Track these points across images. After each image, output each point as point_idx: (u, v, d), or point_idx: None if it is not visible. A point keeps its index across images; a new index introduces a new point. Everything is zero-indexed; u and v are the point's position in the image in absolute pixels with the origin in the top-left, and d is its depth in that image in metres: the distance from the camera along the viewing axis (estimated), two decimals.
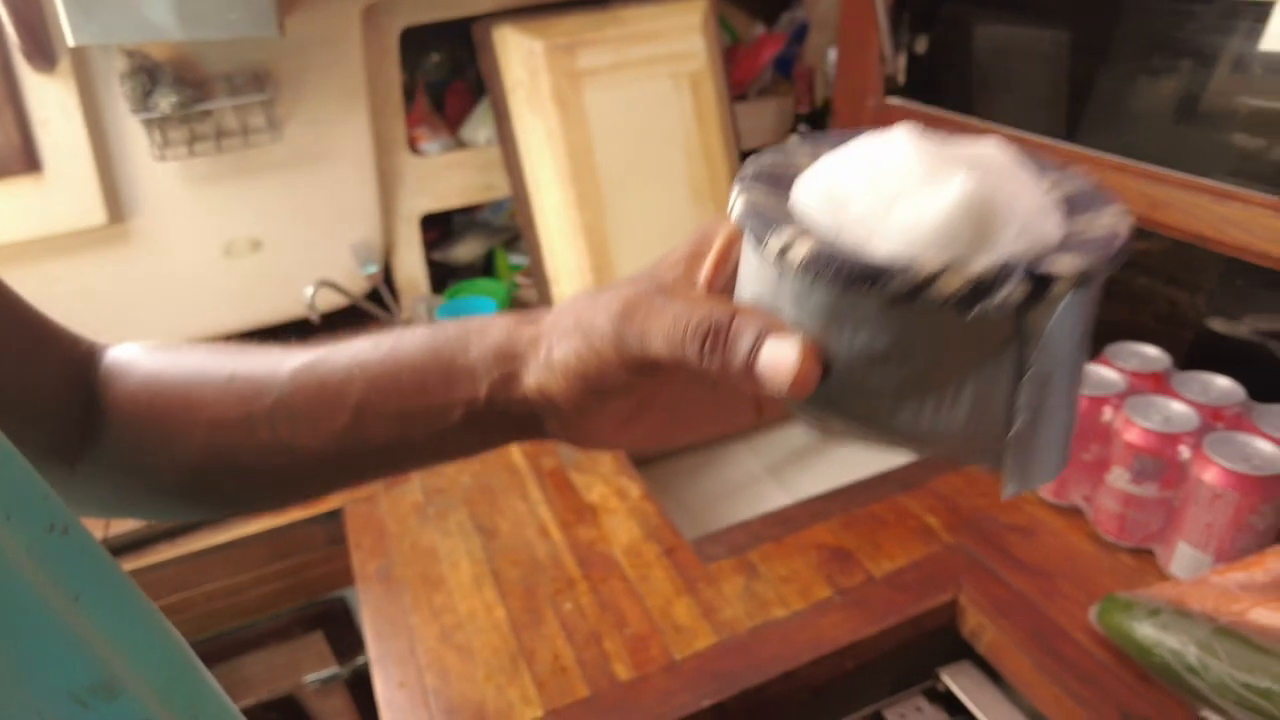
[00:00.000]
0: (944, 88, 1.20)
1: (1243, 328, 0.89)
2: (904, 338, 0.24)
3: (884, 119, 1.26)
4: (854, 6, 1.24)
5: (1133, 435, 0.79)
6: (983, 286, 0.22)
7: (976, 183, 0.24)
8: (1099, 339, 0.91)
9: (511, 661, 0.76)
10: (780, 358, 0.25)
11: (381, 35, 1.17)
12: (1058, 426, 0.26)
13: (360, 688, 1.05)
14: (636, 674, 0.74)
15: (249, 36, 0.96)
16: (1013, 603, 0.77)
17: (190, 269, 1.15)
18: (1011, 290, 0.22)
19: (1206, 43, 0.87)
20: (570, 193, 1.15)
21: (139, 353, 0.41)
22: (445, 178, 1.28)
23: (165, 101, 1.04)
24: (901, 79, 1.23)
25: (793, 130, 1.37)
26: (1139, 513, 0.81)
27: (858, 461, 1.12)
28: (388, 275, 1.29)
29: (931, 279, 0.22)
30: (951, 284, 0.22)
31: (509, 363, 0.35)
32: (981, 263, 0.23)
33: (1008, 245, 0.24)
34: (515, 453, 1.03)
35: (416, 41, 1.25)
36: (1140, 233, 0.88)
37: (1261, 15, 0.81)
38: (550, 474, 0.99)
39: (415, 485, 0.99)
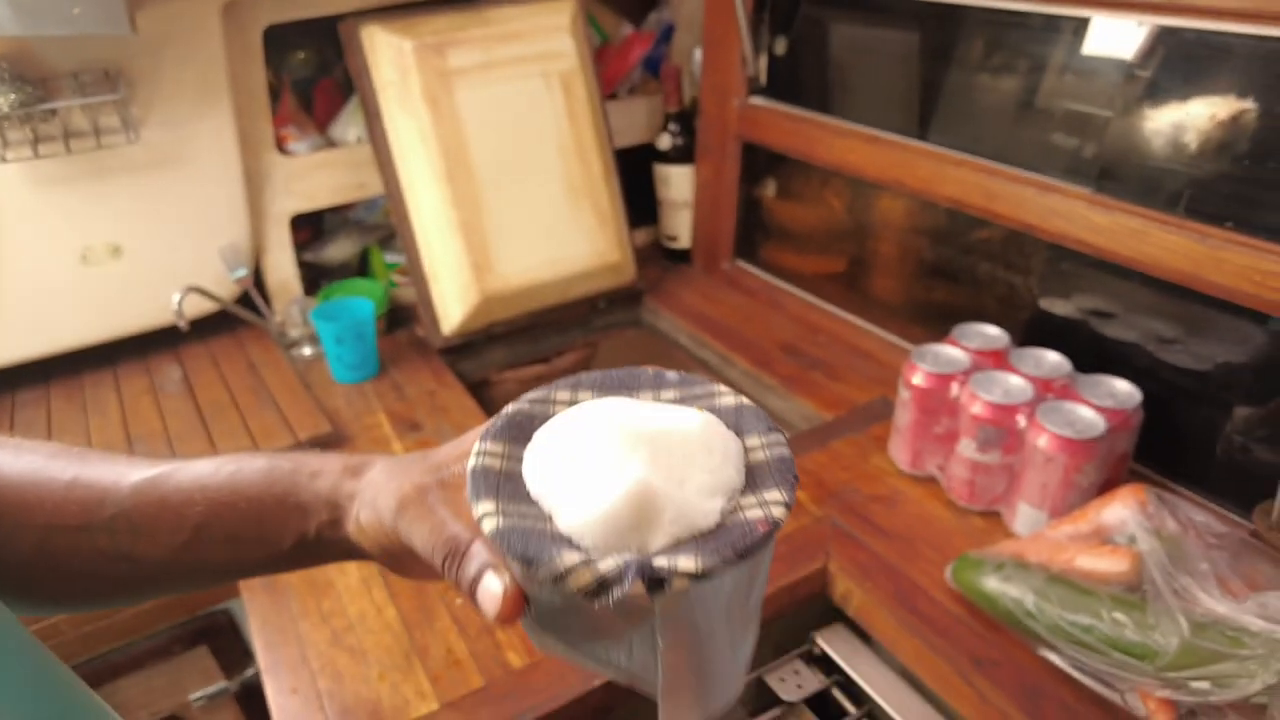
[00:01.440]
0: (803, 88, 1.27)
1: (1069, 307, 0.99)
2: (570, 604, 0.29)
3: (748, 117, 1.32)
4: (717, 8, 1.30)
5: (977, 408, 0.86)
6: (606, 582, 0.27)
7: (643, 476, 0.29)
8: (948, 320, 1.00)
9: (405, 659, 0.77)
10: (491, 592, 0.32)
11: (243, 33, 1.14)
12: (712, 676, 0.31)
13: (251, 700, 1.03)
14: (529, 660, 0.76)
15: (96, 34, 0.92)
16: (877, 567, 0.84)
17: (43, 278, 1.09)
18: (626, 587, 0.27)
19: (1035, 50, 0.96)
20: (445, 191, 1.15)
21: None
22: (315, 177, 1.26)
23: (3, 99, 0.98)
24: (763, 80, 1.29)
25: (663, 128, 1.41)
26: (985, 478, 0.89)
27: None
28: (258, 278, 1.26)
29: (567, 573, 0.27)
30: (581, 579, 0.27)
31: (334, 510, 0.40)
32: (608, 563, 0.27)
33: (661, 530, 0.29)
34: (398, 449, 1.03)
35: (281, 39, 1.22)
36: (978, 222, 0.96)
37: (1080, 28, 0.90)
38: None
39: None
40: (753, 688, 0.83)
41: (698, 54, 1.37)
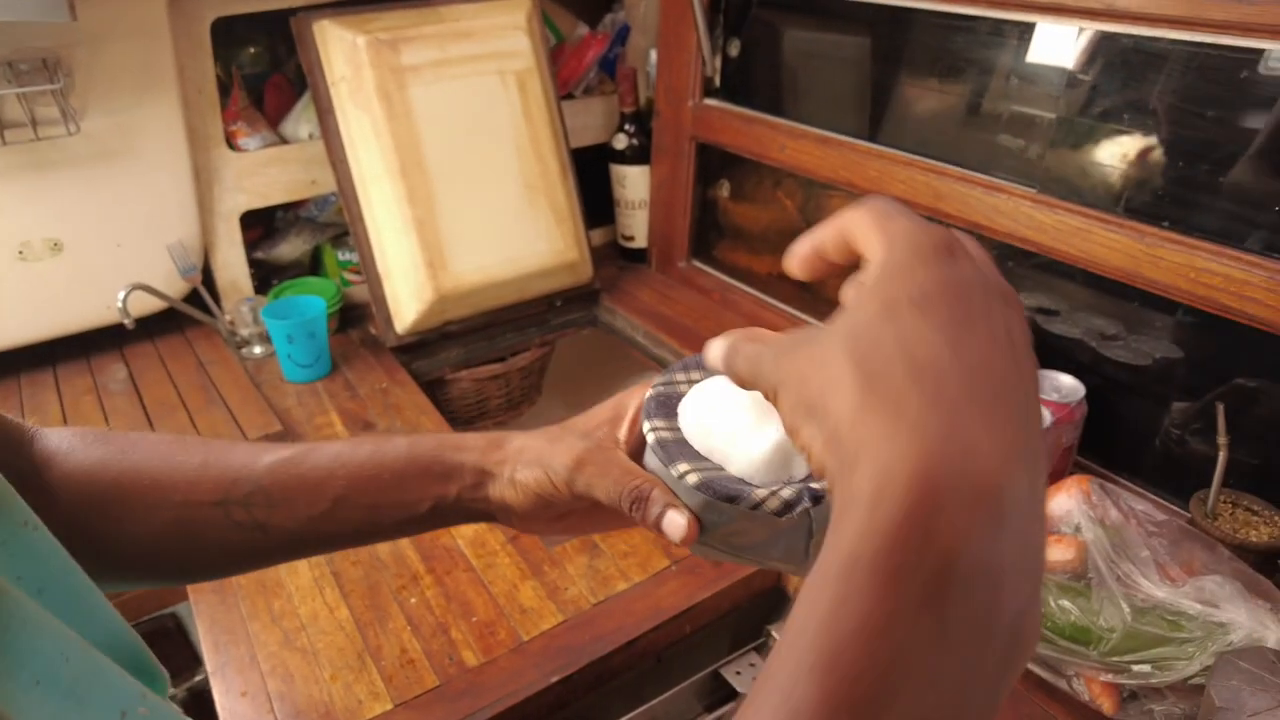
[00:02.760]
0: (756, 90, 1.28)
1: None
2: (749, 526, 0.39)
3: (702, 118, 1.33)
4: (673, 10, 1.31)
5: None
6: (790, 504, 0.38)
7: (779, 431, 0.40)
8: None
9: (358, 659, 0.76)
10: (676, 524, 0.39)
11: (190, 25, 1.11)
12: (810, 548, 0.41)
13: (199, 705, 1.00)
14: (485, 658, 0.76)
15: (32, 20, 0.89)
16: None
17: None
18: (805, 503, 0.38)
19: (981, 55, 0.98)
20: (399, 188, 1.14)
21: (82, 435, 0.46)
22: (266, 174, 1.23)
23: None
24: (718, 81, 1.31)
25: (619, 129, 1.42)
26: None
27: None
28: (208, 277, 1.23)
29: (761, 502, 0.38)
30: (772, 504, 0.38)
31: (480, 475, 0.45)
32: (787, 490, 0.39)
33: (799, 468, 0.40)
34: None
35: (231, 33, 1.20)
36: (926, 220, 0.97)
37: (1025, 33, 0.92)
38: None
39: None
40: (709, 681, 0.84)
41: (653, 55, 1.38)
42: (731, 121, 1.28)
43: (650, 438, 0.42)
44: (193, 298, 1.19)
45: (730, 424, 0.41)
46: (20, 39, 1.00)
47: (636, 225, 1.49)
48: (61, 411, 1.07)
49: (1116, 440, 0.94)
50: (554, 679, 0.74)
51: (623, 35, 1.43)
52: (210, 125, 1.17)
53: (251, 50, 1.27)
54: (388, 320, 1.20)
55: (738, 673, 0.83)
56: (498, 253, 1.23)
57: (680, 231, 1.45)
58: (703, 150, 1.37)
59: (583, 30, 1.44)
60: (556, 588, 0.83)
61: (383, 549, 0.88)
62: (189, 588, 0.84)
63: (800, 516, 0.38)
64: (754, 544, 0.41)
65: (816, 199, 1.24)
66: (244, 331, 1.21)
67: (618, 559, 0.86)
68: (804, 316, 1.29)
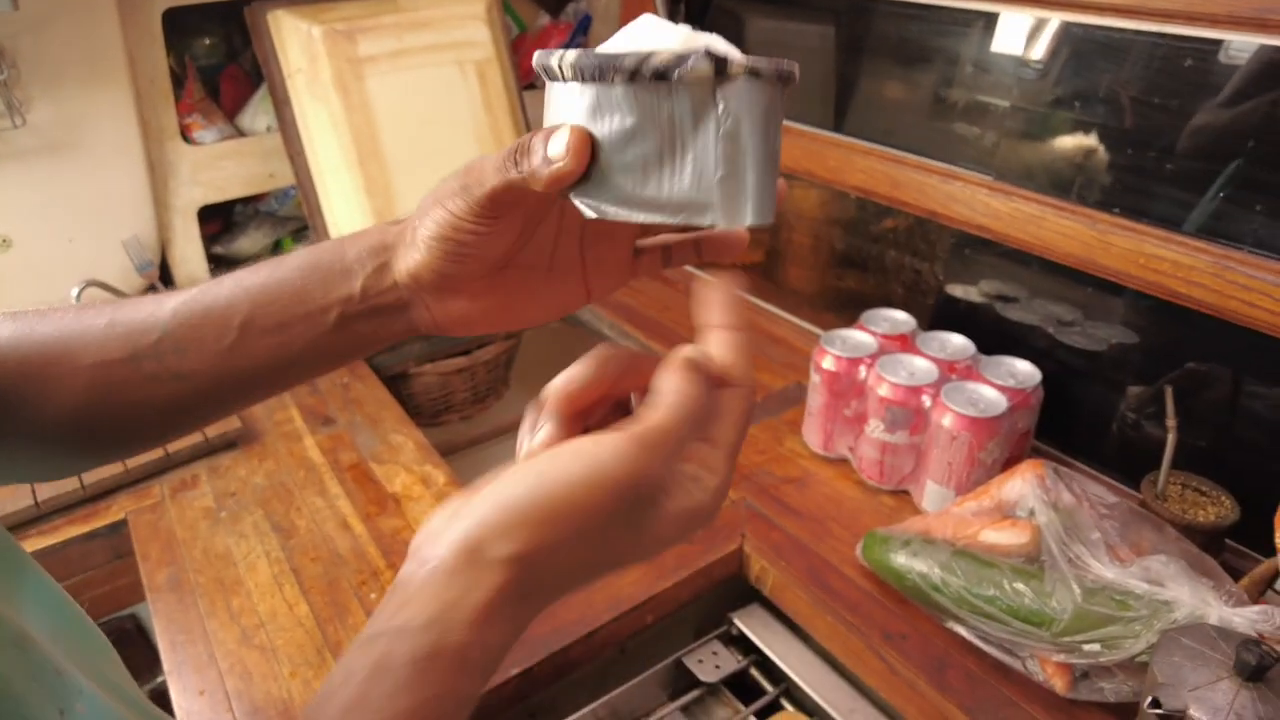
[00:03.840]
0: None
1: (973, 291, 1.02)
2: (641, 115, 0.34)
3: None
4: (633, 0, 1.30)
5: (884, 390, 0.89)
6: (681, 57, 0.32)
7: (685, 33, 0.34)
8: (857, 307, 1.02)
9: (317, 654, 0.76)
10: (559, 141, 0.34)
11: (140, 14, 1.09)
12: (756, 178, 0.35)
13: (161, 708, 0.99)
14: None
15: None
16: (790, 547, 0.86)
17: None
18: (698, 61, 0.32)
19: (940, 45, 0.99)
20: (358, 178, 1.13)
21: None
22: (223, 167, 1.22)
23: None
24: None
25: None
26: (894, 458, 0.91)
27: None
28: (165, 272, 1.21)
29: (649, 56, 0.32)
30: (661, 57, 0.32)
31: (382, 254, 0.41)
32: (679, 47, 0.33)
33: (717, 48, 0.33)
34: (312, 450, 1.01)
35: (184, 24, 1.18)
36: (886, 211, 0.99)
37: (983, 23, 0.93)
38: (350, 468, 0.98)
39: (205, 489, 0.95)
40: (671, 670, 0.84)
41: None
42: None
43: (552, 62, 0.35)
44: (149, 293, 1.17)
45: (635, 40, 0.35)
46: None
47: None
48: None
49: (1073, 424, 0.95)
50: (513, 671, 0.74)
51: (585, 25, 1.42)
52: (164, 117, 1.15)
53: (206, 41, 1.25)
54: None
55: (700, 661, 0.84)
56: None
57: None
58: None
59: (545, 20, 1.43)
60: None
61: (342, 545, 0.87)
62: (146, 587, 0.83)
63: (699, 85, 0.32)
64: (647, 167, 0.35)
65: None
66: None
67: None
68: (766, 306, 1.29)
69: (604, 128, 0.35)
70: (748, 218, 0.35)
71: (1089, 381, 0.93)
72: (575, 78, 0.34)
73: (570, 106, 0.35)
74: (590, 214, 0.36)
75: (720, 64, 0.32)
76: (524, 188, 0.36)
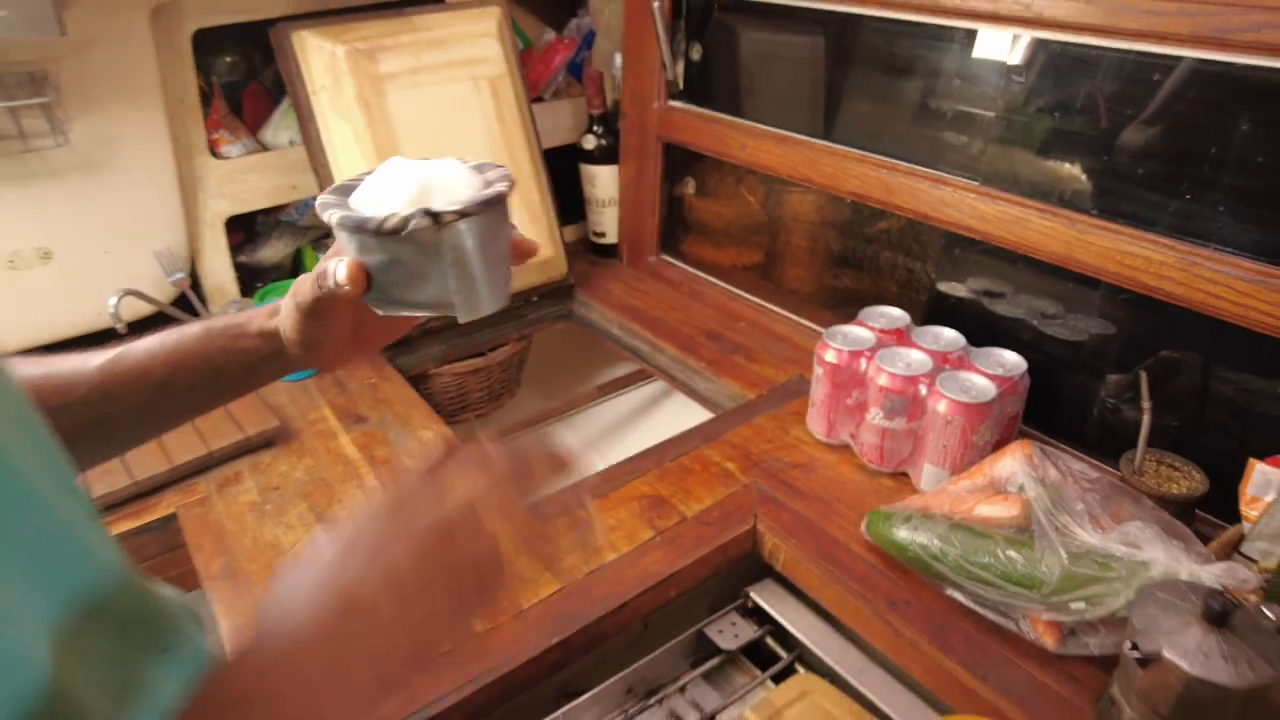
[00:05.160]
0: (717, 92, 1.35)
1: (963, 289, 1.10)
2: (389, 254, 0.49)
3: (667, 120, 1.39)
4: (635, 16, 1.37)
5: (883, 380, 0.96)
6: (406, 219, 0.47)
7: (425, 173, 0.50)
8: (855, 305, 1.09)
9: None
10: (341, 271, 0.50)
11: (172, 37, 1.15)
12: (484, 283, 0.51)
13: None
14: (489, 625, 0.82)
15: (22, 35, 0.93)
16: (799, 526, 0.93)
17: None
18: (418, 220, 0.47)
19: (928, 57, 1.06)
20: None
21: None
22: (247, 180, 1.27)
23: None
24: (680, 84, 1.37)
25: (588, 130, 1.48)
26: (893, 443, 0.99)
27: (662, 426, 1.25)
28: (195, 281, 1.27)
29: (384, 220, 0.47)
30: (391, 221, 0.47)
31: (272, 318, 0.58)
32: (407, 212, 0.47)
33: (438, 201, 0.49)
34: (347, 446, 1.07)
35: (208, 44, 1.23)
36: (880, 214, 1.06)
37: (968, 37, 1.00)
38: (384, 462, 1.04)
39: (249, 484, 1.01)
40: (694, 640, 0.91)
41: (618, 59, 1.44)
42: (694, 122, 1.35)
43: (326, 218, 0.50)
44: (181, 301, 1.22)
45: (390, 184, 0.50)
46: (8, 53, 1.03)
47: (607, 222, 1.55)
48: None
49: (1057, 409, 1.03)
50: (552, 640, 0.80)
51: (589, 40, 1.49)
52: (193, 134, 1.21)
53: (228, 59, 1.30)
54: None
55: (720, 631, 0.90)
56: None
57: (649, 227, 1.52)
58: (668, 149, 1.44)
59: (550, 35, 1.49)
60: (552, 559, 0.89)
61: None
62: (202, 576, 0.89)
63: (424, 233, 0.47)
64: (407, 282, 0.50)
65: (776, 194, 1.32)
66: None
67: (606, 532, 0.92)
68: (767, 305, 1.36)
69: (369, 259, 0.50)
70: (483, 310, 0.52)
71: (1071, 369, 1.01)
72: (342, 229, 0.49)
73: (348, 243, 0.51)
74: (379, 311, 0.53)
75: (436, 217, 0.47)
76: (332, 297, 0.52)
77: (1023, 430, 1.03)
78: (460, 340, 1.37)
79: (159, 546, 0.98)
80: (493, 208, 0.50)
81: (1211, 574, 0.68)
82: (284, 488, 1.00)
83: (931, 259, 1.12)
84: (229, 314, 0.60)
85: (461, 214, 0.48)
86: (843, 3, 1.12)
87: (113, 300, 1.10)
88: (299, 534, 0.93)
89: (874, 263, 1.19)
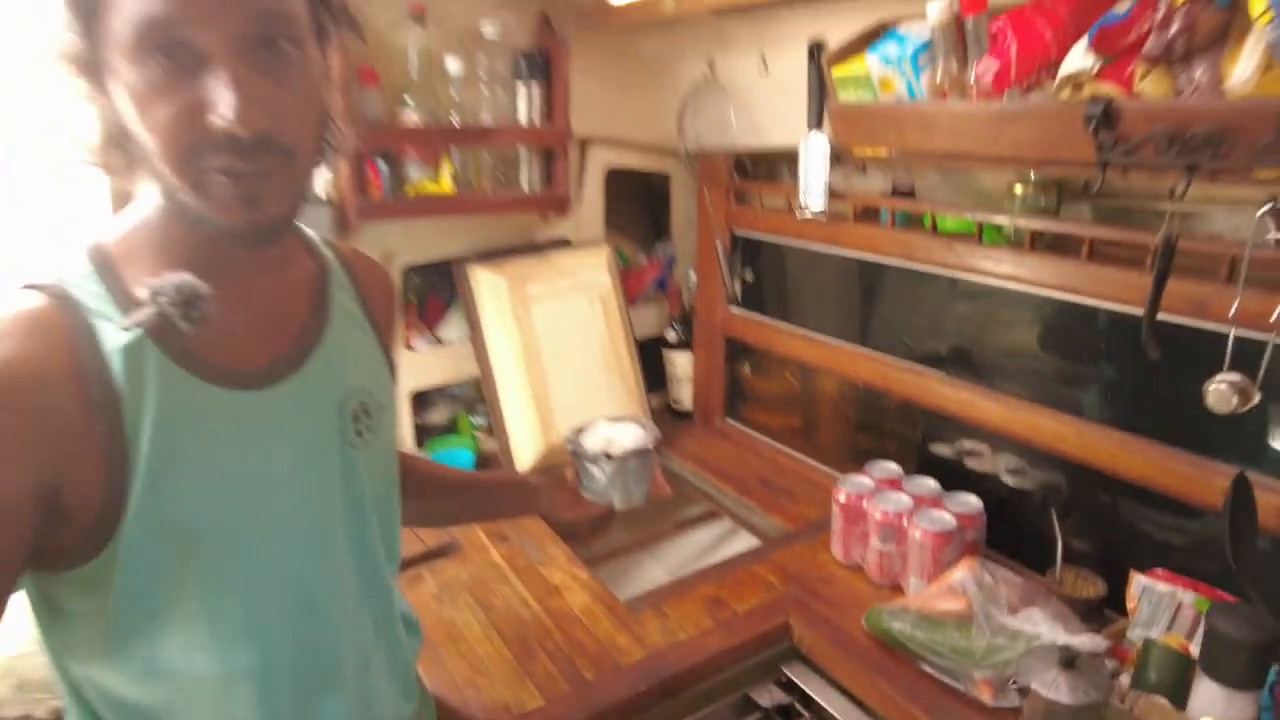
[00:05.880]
0: (768, 303, 1.83)
1: (945, 449, 1.49)
2: (591, 474, 1.05)
3: (728, 321, 1.87)
4: (705, 247, 1.88)
5: (877, 515, 1.35)
6: (595, 454, 1.03)
7: (609, 433, 1.08)
8: (862, 458, 1.50)
9: (517, 678, 1.22)
10: (567, 475, 1.10)
11: (390, 268, 1.70)
12: (632, 492, 1.06)
13: None
14: (597, 676, 1.21)
15: None
16: (820, 620, 1.30)
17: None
18: (611, 454, 1.03)
19: (915, 287, 1.51)
20: (524, 374, 1.68)
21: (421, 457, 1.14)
22: (428, 365, 1.79)
23: None
24: (739, 296, 1.86)
25: (670, 326, 1.97)
26: (888, 563, 1.36)
27: (724, 551, 1.65)
28: None
29: (583, 453, 1.05)
30: (588, 455, 1.04)
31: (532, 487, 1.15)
32: (633, 446, 1.04)
33: (614, 448, 1.05)
34: (497, 557, 1.50)
35: (410, 272, 1.78)
36: (883, 395, 1.53)
37: (932, 280, 1.45)
38: (524, 569, 1.46)
39: (430, 582, 1.44)
40: (741, 701, 1.27)
41: (692, 275, 1.95)
42: (750, 324, 1.83)
43: (571, 449, 1.05)
44: None
45: (595, 438, 1.04)
46: None
47: (684, 393, 2.01)
48: None
49: (1009, 534, 1.39)
50: (641, 687, 1.18)
51: (671, 262, 2.01)
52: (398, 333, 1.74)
53: (418, 280, 1.85)
54: (511, 466, 1.71)
55: (760, 695, 1.27)
56: (586, 414, 1.73)
57: (716, 399, 1.97)
58: (729, 341, 1.91)
59: (643, 259, 2.02)
60: (639, 636, 1.28)
61: (525, 615, 1.34)
62: None
63: (611, 466, 1.00)
64: (600, 488, 1.02)
65: (811, 377, 1.75)
66: None
67: (679, 620, 1.31)
68: (805, 458, 1.77)
69: (582, 476, 1.05)
70: (630, 505, 1.06)
71: (1017, 506, 1.38)
72: (575, 457, 1.05)
73: (579, 463, 1.06)
74: (587, 497, 1.06)
75: (610, 457, 1.00)
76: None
77: (986, 550, 1.39)
78: None
79: None
80: (640, 455, 1.03)
81: (1076, 640, 1.04)
82: (453, 585, 1.43)
83: (920, 427, 1.52)
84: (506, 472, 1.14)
85: (624, 454, 1.00)
86: (853, 248, 1.59)
87: None
88: (466, 615, 1.35)
89: (879, 429, 1.60)
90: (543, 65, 1.63)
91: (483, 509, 1.21)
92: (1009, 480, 1.39)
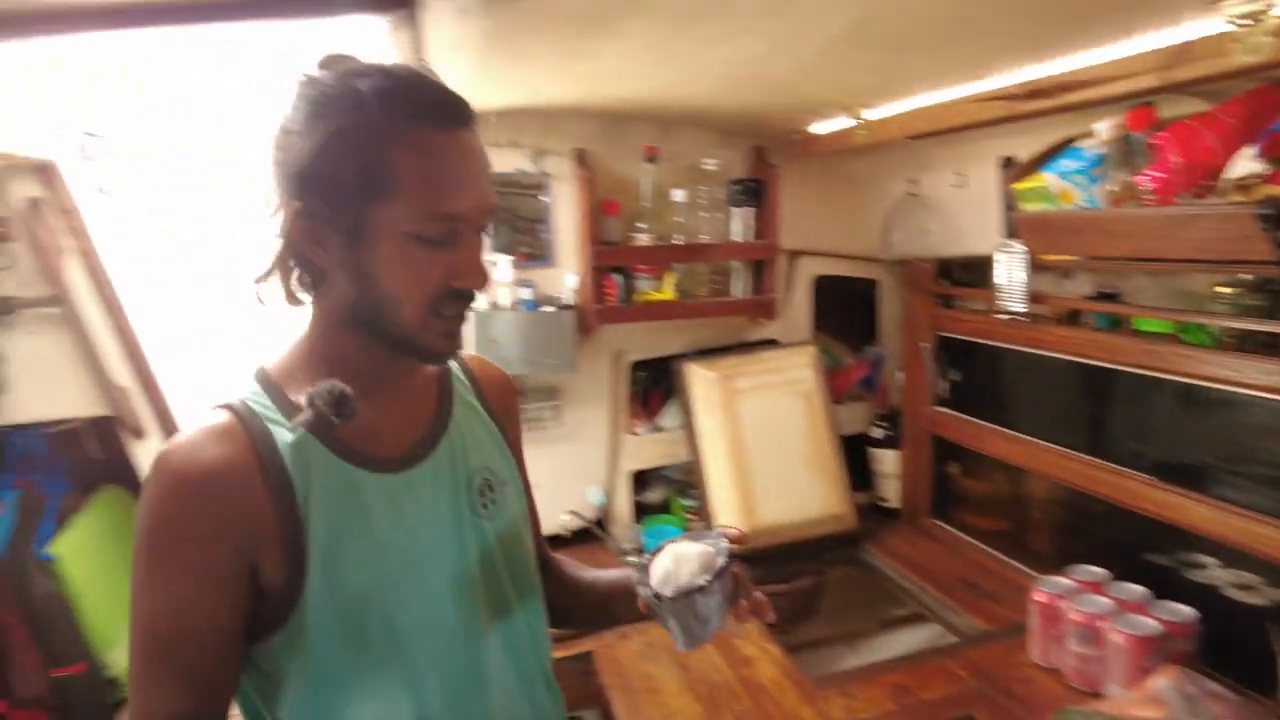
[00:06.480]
0: (974, 403, 1.86)
1: (1158, 557, 1.44)
2: (671, 613, 0.84)
3: (934, 419, 1.92)
4: (911, 348, 1.96)
5: (1074, 616, 1.33)
6: (690, 589, 0.82)
7: (681, 573, 0.86)
8: (1071, 562, 1.48)
9: None
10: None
11: (619, 366, 1.95)
12: (696, 631, 0.84)
13: None
14: None
15: (554, 373, 1.74)
16: (1008, 717, 1.29)
17: None
18: (682, 594, 0.82)
19: (1118, 388, 1.50)
20: (730, 463, 1.83)
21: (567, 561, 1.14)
22: (647, 449, 2.00)
23: None
24: (945, 396, 1.91)
25: (875, 423, 2.05)
26: (1089, 666, 1.33)
27: (913, 642, 1.66)
28: (608, 509, 1.98)
29: (658, 594, 0.84)
30: (666, 595, 0.84)
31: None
32: (668, 589, 0.84)
33: (685, 580, 0.84)
34: None
35: (636, 368, 2.02)
36: (1093, 498, 1.54)
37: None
38: (719, 638, 1.57)
39: (635, 641, 1.59)
40: None
41: (899, 375, 2.02)
42: (955, 424, 1.86)
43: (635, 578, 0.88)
44: (598, 522, 1.93)
45: (673, 563, 0.84)
46: (543, 379, 1.87)
47: (890, 491, 2.06)
48: None
49: (1235, 651, 1.30)
50: None
51: (878, 362, 2.10)
52: (621, 421, 1.97)
53: (641, 374, 2.09)
54: None
55: None
56: (789, 504, 1.86)
57: (923, 498, 2.00)
58: (936, 440, 1.95)
59: (850, 358, 2.12)
60: (823, 712, 1.34)
61: (717, 679, 1.45)
62: (609, 689, 1.46)
63: (664, 608, 0.81)
64: (675, 619, 0.82)
65: (1019, 478, 1.75)
66: (626, 545, 1.92)
67: (864, 700, 1.36)
68: (1010, 560, 1.75)
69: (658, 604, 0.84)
70: (694, 645, 0.84)
71: (1240, 623, 1.30)
72: (634, 583, 0.88)
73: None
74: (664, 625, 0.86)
75: (687, 594, 0.80)
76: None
77: (1199, 665, 1.31)
78: (773, 568, 1.91)
79: (578, 671, 1.58)
80: (703, 590, 0.81)
81: None
82: (656, 644, 1.58)
83: (1133, 533, 1.48)
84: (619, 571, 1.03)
85: (687, 591, 0.81)
86: (1054, 350, 1.61)
87: (563, 516, 1.82)
88: (664, 672, 1.49)
89: (1089, 533, 1.57)
90: (755, 190, 1.86)
91: (601, 612, 1.06)
92: (1231, 594, 1.32)
